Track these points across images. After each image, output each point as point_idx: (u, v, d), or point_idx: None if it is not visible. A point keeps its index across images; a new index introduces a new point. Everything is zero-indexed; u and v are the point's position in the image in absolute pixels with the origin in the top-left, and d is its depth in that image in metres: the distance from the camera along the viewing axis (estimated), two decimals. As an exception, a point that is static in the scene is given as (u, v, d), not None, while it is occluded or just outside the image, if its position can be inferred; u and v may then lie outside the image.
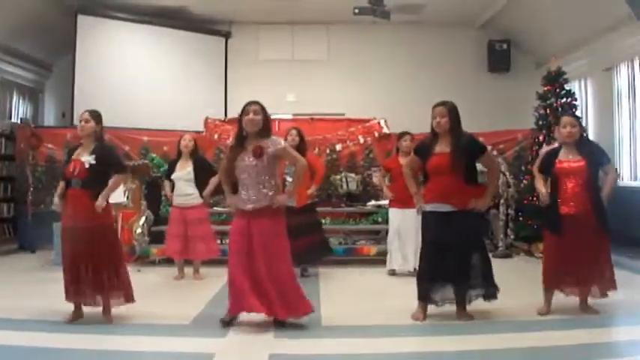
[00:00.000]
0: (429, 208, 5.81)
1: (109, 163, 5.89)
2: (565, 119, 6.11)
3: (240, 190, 5.62)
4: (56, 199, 5.92)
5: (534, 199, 10.35)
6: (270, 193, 5.57)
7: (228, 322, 5.61)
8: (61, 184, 5.92)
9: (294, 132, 8.17)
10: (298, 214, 7.63)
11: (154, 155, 11.09)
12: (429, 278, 5.78)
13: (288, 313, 5.53)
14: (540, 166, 6.29)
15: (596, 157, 6.03)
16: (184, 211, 8.17)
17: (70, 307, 5.74)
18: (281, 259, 5.57)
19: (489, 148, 11.33)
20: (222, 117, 12.58)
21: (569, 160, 5.92)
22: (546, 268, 6.04)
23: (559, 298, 6.04)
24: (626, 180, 11.14)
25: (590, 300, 5.99)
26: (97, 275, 5.62)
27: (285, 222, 5.72)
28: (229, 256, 5.66)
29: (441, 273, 5.71)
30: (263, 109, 5.61)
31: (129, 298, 5.84)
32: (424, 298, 5.82)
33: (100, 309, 5.77)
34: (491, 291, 5.76)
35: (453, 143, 5.71)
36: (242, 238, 5.54)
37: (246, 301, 5.44)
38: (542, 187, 6.06)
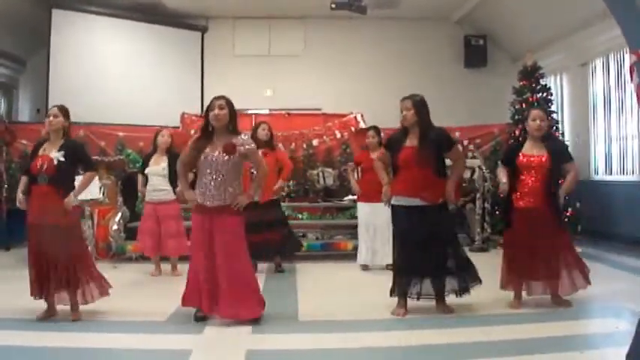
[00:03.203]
0: (396, 201, 5.81)
1: (79, 160, 5.85)
2: (535, 112, 6.15)
3: (201, 184, 5.56)
4: (20, 196, 5.74)
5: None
6: (234, 192, 5.57)
7: (202, 318, 5.57)
8: (24, 179, 5.82)
9: (265, 126, 8.19)
10: (260, 209, 7.64)
11: (130, 151, 11.03)
12: (406, 273, 5.78)
13: (235, 314, 5.50)
14: (503, 158, 6.35)
15: (560, 153, 6.08)
16: (157, 207, 8.13)
17: (43, 304, 5.68)
18: (239, 258, 5.55)
19: (466, 142, 11.49)
20: (198, 112, 12.50)
21: (532, 154, 5.96)
22: (505, 266, 6.10)
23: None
24: (601, 174, 11.26)
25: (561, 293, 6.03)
26: (62, 273, 5.54)
27: (246, 216, 5.73)
28: (192, 250, 5.70)
29: (417, 267, 5.72)
30: (229, 103, 5.59)
31: (104, 292, 5.79)
32: (403, 294, 5.82)
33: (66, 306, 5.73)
34: (462, 285, 5.77)
35: (421, 136, 5.72)
36: (203, 235, 5.51)
37: (203, 301, 5.50)
38: (503, 177, 6.08)
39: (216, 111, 5.51)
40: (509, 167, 6.09)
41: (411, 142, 5.76)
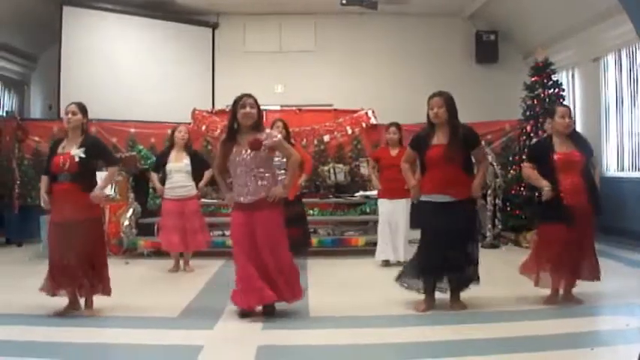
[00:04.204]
0: (426, 198, 5.76)
1: (100, 156, 5.90)
2: (563, 110, 6.06)
3: (236, 183, 5.61)
4: (45, 196, 5.76)
5: (522, 189, 10.41)
6: (268, 185, 5.59)
7: (247, 314, 5.60)
8: (45, 179, 5.83)
9: (280, 123, 8.14)
10: (287, 205, 7.63)
11: (142, 147, 11.06)
12: (432, 271, 5.76)
13: (293, 297, 5.64)
14: (533, 156, 6.19)
15: (587, 148, 6.03)
16: (182, 203, 8.09)
17: (55, 300, 5.71)
18: (283, 247, 5.64)
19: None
20: (209, 108, 12.54)
21: (566, 151, 5.89)
22: (537, 262, 6.02)
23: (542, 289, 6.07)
24: (612, 170, 11.21)
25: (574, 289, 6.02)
26: (84, 269, 5.58)
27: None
28: (236, 251, 5.66)
29: (442, 264, 5.69)
30: (257, 102, 5.62)
31: (107, 291, 5.80)
32: (430, 291, 5.81)
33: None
34: (468, 281, 5.79)
35: (451, 134, 5.68)
36: (245, 231, 5.54)
37: (262, 293, 5.48)
38: (542, 180, 5.86)
39: (248, 109, 5.53)
40: (540, 165, 5.99)
41: (439, 139, 5.71)
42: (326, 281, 7.59)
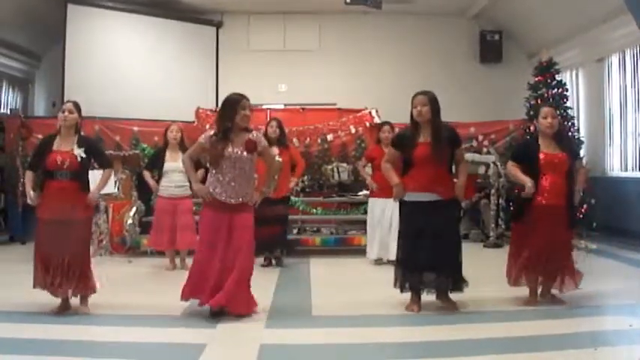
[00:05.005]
0: (412, 197, 5.76)
1: (95, 156, 5.90)
2: (546, 110, 6.05)
3: (222, 182, 5.57)
4: (32, 193, 5.74)
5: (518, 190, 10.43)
6: (250, 188, 5.66)
7: (218, 313, 5.57)
8: (30, 175, 5.82)
9: (274, 123, 8.17)
10: (274, 204, 7.66)
11: (145, 145, 11.05)
12: (417, 269, 5.75)
13: (239, 308, 5.54)
14: (517, 155, 6.22)
15: (573, 150, 6.02)
16: (176, 202, 8.12)
17: (57, 298, 5.72)
18: (249, 255, 5.61)
19: (481, 137, 11.46)
20: (213, 107, 12.51)
21: (551, 152, 5.89)
22: (513, 262, 6.04)
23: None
24: (616, 170, 11.20)
25: (553, 290, 6.00)
26: (76, 267, 5.59)
27: (258, 211, 5.82)
28: (201, 245, 5.68)
29: (425, 262, 5.69)
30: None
31: (93, 288, 5.80)
32: (415, 290, 5.81)
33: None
34: (458, 283, 5.77)
35: (435, 133, 5.70)
36: (220, 231, 5.52)
37: (206, 293, 5.50)
38: (525, 177, 5.86)
39: (247, 112, 5.58)
40: (523, 164, 6.02)
41: (425, 138, 5.73)
42: (328, 280, 7.61)
